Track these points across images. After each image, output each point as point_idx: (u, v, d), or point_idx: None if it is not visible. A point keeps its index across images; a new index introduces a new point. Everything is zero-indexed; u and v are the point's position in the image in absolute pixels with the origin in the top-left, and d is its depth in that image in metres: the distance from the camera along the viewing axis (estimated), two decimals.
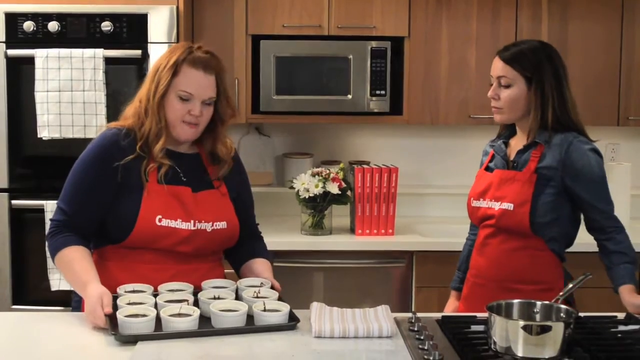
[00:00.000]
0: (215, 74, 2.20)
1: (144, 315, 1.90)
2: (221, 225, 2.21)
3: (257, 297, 2.07)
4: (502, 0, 3.73)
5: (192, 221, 2.16)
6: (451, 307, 2.60)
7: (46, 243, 2.18)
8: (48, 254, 3.18)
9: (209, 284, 2.15)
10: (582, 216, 2.38)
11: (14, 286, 3.41)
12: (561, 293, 1.97)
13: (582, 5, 3.75)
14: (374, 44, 3.70)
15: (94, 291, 1.98)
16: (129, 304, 1.97)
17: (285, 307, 2.01)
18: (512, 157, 2.42)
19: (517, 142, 2.43)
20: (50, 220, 2.19)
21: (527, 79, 2.34)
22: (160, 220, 2.13)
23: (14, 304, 3.40)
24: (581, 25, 3.76)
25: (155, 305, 1.98)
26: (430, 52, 3.76)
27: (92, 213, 2.16)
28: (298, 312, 2.05)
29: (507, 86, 2.36)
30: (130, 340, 1.86)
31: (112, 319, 1.93)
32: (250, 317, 1.98)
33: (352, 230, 3.66)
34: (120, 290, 2.06)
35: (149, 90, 2.18)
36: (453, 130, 4.08)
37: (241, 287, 2.15)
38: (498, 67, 2.38)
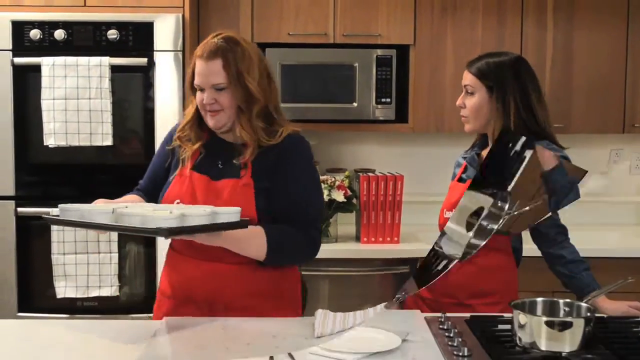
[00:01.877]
0: (223, 59, 2.14)
1: None
2: None
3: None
4: (507, 8, 3.74)
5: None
6: None
7: None
8: None
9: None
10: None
11: (19, 293, 3.41)
12: (593, 293, 2.08)
13: (588, 14, 3.75)
14: (379, 51, 3.71)
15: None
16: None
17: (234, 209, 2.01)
18: None
19: None
20: None
21: (489, 88, 2.38)
22: (177, 204, 2.18)
23: (20, 311, 3.40)
24: (587, 33, 3.76)
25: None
26: (436, 60, 3.76)
27: (154, 192, 2.32)
28: (303, 320, 2.04)
29: (472, 95, 2.41)
30: (51, 222, 2.24)
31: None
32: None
33: (357, 238, 3.66)
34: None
35: None
36: (458, 138, 4.06)
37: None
38: (465, 76, 2.45)
